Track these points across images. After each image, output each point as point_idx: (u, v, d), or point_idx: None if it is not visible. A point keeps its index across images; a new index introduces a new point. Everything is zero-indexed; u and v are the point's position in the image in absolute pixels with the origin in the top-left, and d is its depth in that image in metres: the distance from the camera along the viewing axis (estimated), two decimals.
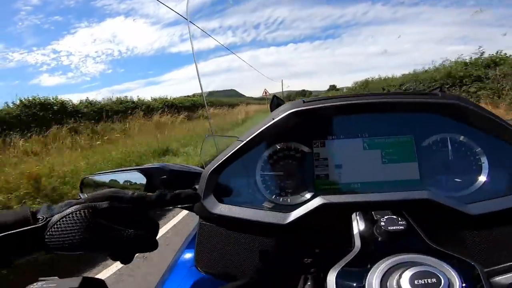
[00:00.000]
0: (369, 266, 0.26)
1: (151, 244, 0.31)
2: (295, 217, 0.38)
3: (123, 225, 0.29)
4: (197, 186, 0.50)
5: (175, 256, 0.50)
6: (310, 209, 0.37)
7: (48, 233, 0.27)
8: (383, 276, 0.25)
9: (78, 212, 0.27)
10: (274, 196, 0.41)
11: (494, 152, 0.39)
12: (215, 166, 0.41)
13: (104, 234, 0.28)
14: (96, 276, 0.41)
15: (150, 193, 0.31)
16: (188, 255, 0.48)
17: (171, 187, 0.49)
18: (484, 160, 0.39)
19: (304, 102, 0.40)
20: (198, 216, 0.45)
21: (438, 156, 0.40)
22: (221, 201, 0.42)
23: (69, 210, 0.28)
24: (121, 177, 0.55)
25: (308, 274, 0.34)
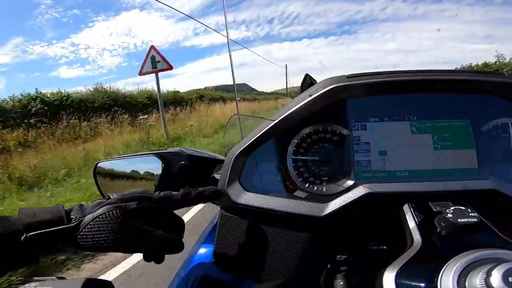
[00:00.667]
0: (441, 263, 0.21)
1: (179, 245, 0.31)
2: (334, 209, 0.33)
3: (151, 225, 0.29)
4: (215, 175, 0.46)
5: (191, 251, 0.46)
6: (351, 199, 0.33)
7: (81, 233, 0.27)
8: (460, 274, 0.20)
9: (109, 212, 0.28)
10: (307, 184, 0.37)
11: None
12: (241, 149, 0.37)
13: (135, 235, 0.28)
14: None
15: (176, 192, 0.32)
16: (206, 251, 0.44)
17: (189, 174, 0.45)
18: None
19: (348, 77, 0.35)
20: (218, 207, 0.41)
21: (499, 143, 0.35)
22: (247, 189, 0.38)
23: (100, 211, 0.28)
24: (136, 162, 0.52)
25: (340, 273, 0.30)
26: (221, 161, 0.46)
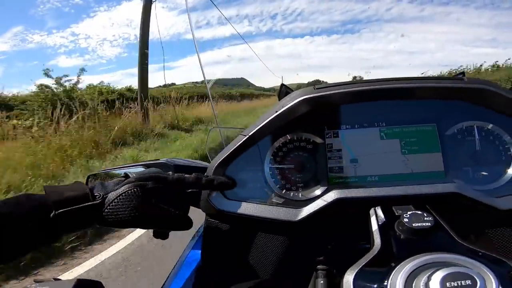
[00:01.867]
0: (392, 266, 0.23)
1: (189, 223, 0.34)
2: (307, 213, 0.35)
3: (165, 204, 0.32)
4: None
5: (182, 254, 0.49)
6: (323, 204, 0.35)
7: (106, 210, 0.30)
8: (408, 277, 0.22)
9: (131, 190, 0.30)
10: (284, 190, 0.39)
11: None
12: (221, 160, 0.39)
13: (153, 212, 0.31)
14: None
15: (188, 175, 0.35)
16: (195, 254, 0.47)
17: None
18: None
19: (315, 88, 0.37)
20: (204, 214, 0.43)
21: (464, 146, 0.36)
22: (228, 198, 0.40)
23: (122, 189, 0.31)
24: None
25: (320, 273, 0.31)
26: (205, 169, 0.48)
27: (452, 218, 0.29)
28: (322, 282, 0.31)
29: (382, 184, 0.36)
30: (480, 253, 0.24)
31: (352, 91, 0.36)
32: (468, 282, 0.20)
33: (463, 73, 0.42)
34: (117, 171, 0.54)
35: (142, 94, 6.19)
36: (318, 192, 0.37)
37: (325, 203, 0.35)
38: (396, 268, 0.23)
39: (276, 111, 0.37)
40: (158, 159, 0.52)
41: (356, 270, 0.24)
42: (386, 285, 0.22)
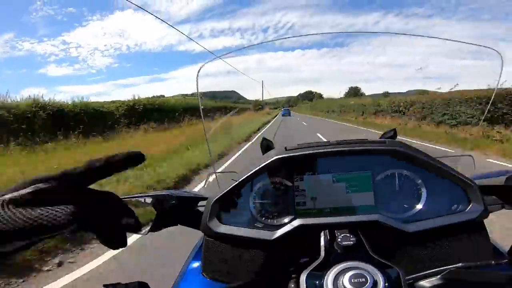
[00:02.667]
0: (327, 269, 0.37)
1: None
2: (280, 234, 0.49)
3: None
4: (199, 209, 0.61)
5: (184, 265, 0.61)
6: (291, 228, 0.49)
7: None
8: (334, 277, 0.36)
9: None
10: (263, 218, 0.53)
11: (431, 183, 0.51)
12: (217, 197, 0.53)
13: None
14: None
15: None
16: (196, 264, 0.59)
17: (178, 210, 0.60)
18: (423, 190, 0.51)
19: (286, 149, 0.52)
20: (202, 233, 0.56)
21: (389, 187, 0.52)
22: (222, 222, 0.53)
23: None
24: (137, 202, 0.65)
25: (290, 277, 0.45)
26: (202, 198, 0.62)
27: (375, 238, 0.44)
28: (293, 286, 0.44)
29: (332, 214, 0.50)
30: (379, 262, 0.38)
31: (310, 153, 0.51)
32: (363, 280, 0.34)
33: (394, 131, 0.59)
34: (134, 199, 0.65)
35: None
36: (287, 220, 0.52)
37: (292, 227, 0.49)
38: (329, 271, 0.37)
39: (259, 166, 0.52)
40: (163, 191, 0.64)
41: (307, 272, 0.38)
42: (323, 282, 0.36)
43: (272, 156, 0.52)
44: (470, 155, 0.66)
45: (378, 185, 0.52)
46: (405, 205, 0.51)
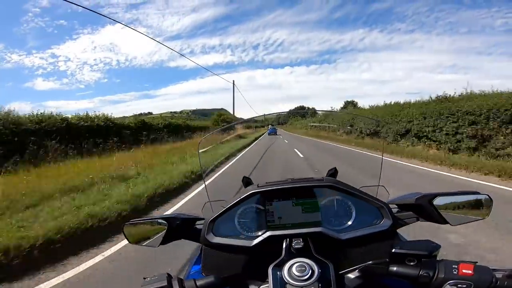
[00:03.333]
0: (285, 263, 0.59)
1: None
2: (256, 242, 0.72)
3: None
4: (197, 227, 0.82)
5: (187, 269, 0.81)
6: (263, 238, 0.72)
7: None
8: (288, 268, 0.58)
9: None
10: (245, 231, 0.76)
11: (358, 205, 0.75)
12: (212, 218, 0.75)
13: None
14: None
15: None
16: (197, 268, 0.80)
17: (181, 228, 0.80)
18: (353, 210, 0.75)
19: (258, 186, 0.76)
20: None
21: (330, 209, 0.76)
22: (215, 235, 0.75)
23: None
24: (150, 223, 0.81)
25: (263, 270, 0.65)
26: (199, 219, 0.83)
27: (319, 243, 0.66)
28: (269, 278, 0.64)
29: (291, 228, 0.73)
30: (317, 258, 0.60)
31: (275, 189, 0.75)
32: (305, 270, 0.56)
33: (335, 169, 0.84)
34: (148, 222, 0.83)
35: None
36: (261, 232, 0.74)
37: (265, 237, 0.71)
38: (286, 264, 0.59)
39: (240, 197, 0.75)
40: (171, 214, 0.85)
41: (272, 266, 0.60)
42: (282, 272, 0.57)
43: (249, 191, 0.76)
44: (383, 186, 0.92)
45: (323, 207, 0.76)
46: (340, 221, 0.75)
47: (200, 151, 1.01)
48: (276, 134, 32.39)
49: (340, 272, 0.65)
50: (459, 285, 0.50)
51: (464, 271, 0.51)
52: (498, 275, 0.51)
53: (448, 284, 0.51)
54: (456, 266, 0.52)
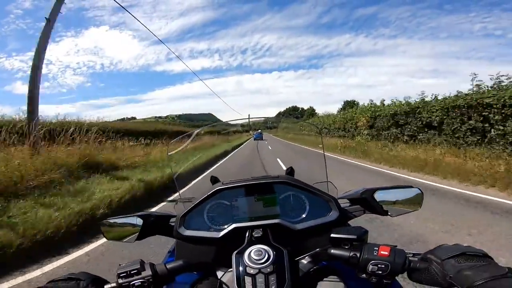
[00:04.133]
0: (247, 250, 0.68)
1: None
2: (223, 234, 0.81)
3: None
4: (171, 223, 0.90)
5: (163, 260, 0.89)
6: (229, 230, 0.81)
7: None
8: (248, 254, 0.67)
9: None
10: (213, 224, 0.85)
11: (311, 199, 0.86)
12: (183, 213, 0.84)
13: None
14: None
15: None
16: (171, 259, 0.88)
17: (155, 224, 0.88)
18: (307, 203, 0.86)
19: (223, 184, 0.86)
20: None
21: (287, 202, 0.86)
22: (187, 229, 0.83)
23: None
24: (126, 220, 0.89)
25: (231, 258, 0.72)
26: (173, 216, 0.91)
27: (277, 233, 0.76)
28: (232, 263, 0.72)
29: (254, 220, 0.83)
30: (273, 245, 0.69)
31: (237, 185, 0.85)
32: (261, 253, 0.66)
33: (291, 168, 0.95)
34: (120, 219, 0.90)
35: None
36: (227, 225, 0.83)
37: (230, 229, 0.81)
38: (246, 250, 0.68)
39: (207, 194, 0.84)
40: (147, 211, 0.93)
41: (235, 252, 0.69)
42: (243, 257, 0.66)
43: (215, 188, 0.85)
44: (331, 182, 1.05)
45: (281, 202, 0.86)
46: (296, 213, 0.86)
47: (169, 153, 1.09)
48: (262, 139, 32.82)
49: (296, 259, 0.74)
50: (379, 265, 0.57)
51: (382, 252, 0.58)
52: (413, 258, 0.58)
53: (370, 264, 0.58)
54: (377, 249, 0.59)
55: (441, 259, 0.52)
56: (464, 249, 0.53)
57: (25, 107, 5.84)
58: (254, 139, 32.88)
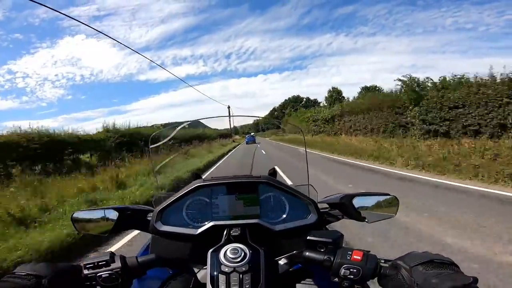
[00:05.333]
0: (223, 248, 0.67)
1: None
2: (200, 231, 0.80)
3: None
4: (148, 218, 0.88)
5: (138, 253, 0.86)
6: (207, 227, 0.80)
7: None
8: (224, 252, 0.66)
9: None
10: (191, 221, 0.83)
11: (291, 201, 0.87)
12: (160, 208, 0.82)
13: None
14: None
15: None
16: (146, 253, 0.85)
17: (132, 218, 0.86)
18: (287, 205, 0.86)
19: (204, 180, 0.85)
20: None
21: (267, 202, 0.86)
22: (164, 224, 0.81)
23: None
24: (100, 213, 0.84)
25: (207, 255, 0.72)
26: (150, 211, 0.89)
27: (255, 233, 0.76)
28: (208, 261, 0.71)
29: (233, 219, 0.83)
30: (250, 245, 0.69)
31: (218, 182, 0.84)
32: (238, 253, 0.65)
33: (274, 169, 0.95)
34: (94, 212, 0.85)
35: None
36: (206, 222, 0.82)
37: (208, 226, 0.80)
38: (222, 248, 0.67)
39: (186, 189, 0.83)
40: (123, 205, 0.90)
41: (211, 250, 0.68)
42: (219, 255, 0.65)
43: (195, 184, 0.84)
44: (311, 185, 1.06)
45: (262, 202, 0.86)
46: (276, 214, 0.86)
47: (151, 146, 1.07)
48: (255, 142, 32.82)
49: (276, 259, 0.74)
50: (351, 269, 0.58)
51: (355, 257, 0.59)
52: (384, 264, 0.58)
53: (343, 267, 0.59)
54: (350, 253, 0.60)
55: (409, 265, 0.53)
56: (432, 256, 0.54)
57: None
58: (246, 143, 32.82)
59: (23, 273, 0.52)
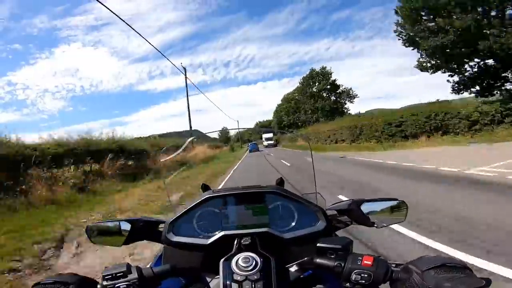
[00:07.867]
0: (235, 256, 0.68)
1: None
2: (211, 241, 0.81)
3: None
4: (160, 229, 0.90)
5: (151, 265, 0.88)
6: (218, 237, 0.81)
7: None
8: (236, 261, 0.67)
9: None
10: (202, 231, 0.85)
11: (299, 209, 0.88)
12: (172, 219, 0.84)
13: None
14: None
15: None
16: (159, 263, 0.87)
17: (144, 230, 0.88)
18: (295, 212, 0.88)
19: (213, 191, 0.87)
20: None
21: (276, 211, 0.88)
22: (175, 235, 0.83)
23: None
24: (114, 224, 0.88)
25: (218, 266, 0.72)
26: (162, 222, 0.91)
27: (265, 241, 0.77)
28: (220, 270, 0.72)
29: (242, 228, 0.84)
30: (260, 253, 0.70)
31: (227, 193, 0.87)
32: (249, 261, 0.66)
33: (281, 178, 0.97)
34: (107, 223, 0.89)
35: None
36: (217, 232, 0.84)
37: (218, 236, 0.81)
38: (234, 257, 0.68)
39: (197, 201, 0.85)
40: (135, 217, 0.93)
41: (223, 259, 0.69)
42: (230, 263, 0.66)
43: (205, 196, 0.87)
44: (319, 193, 1.07)
45: (271, 211, 0.87)
46: (285, 223, 0.87)
47: (161, 160, 1.10)
48: (258, 150, 32.62)
49: (286, 266, 0.75)
50: (362, 274, 0.58)
51: (366, 262, 0.59)
52: (395, 268, 0.59)
53: (354, 273, 0.59)
54: (360, 258, 0.60)
55: (421, 270, 0.53)
56: (444, 260, 0.54)
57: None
58: (250, 152, 32.75)
59: (51, 281, 0.58)
